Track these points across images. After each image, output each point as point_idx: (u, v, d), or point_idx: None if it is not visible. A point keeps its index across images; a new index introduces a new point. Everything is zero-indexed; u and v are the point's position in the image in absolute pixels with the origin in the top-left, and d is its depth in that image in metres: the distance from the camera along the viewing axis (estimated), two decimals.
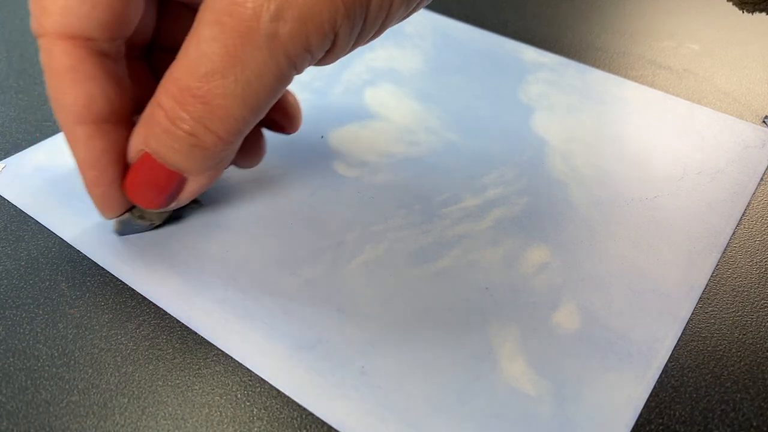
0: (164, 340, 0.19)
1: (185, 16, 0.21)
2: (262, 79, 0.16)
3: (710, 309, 0.21)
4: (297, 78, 0.30)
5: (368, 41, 0.18)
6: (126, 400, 0.18)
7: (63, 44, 0.17)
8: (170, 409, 0.18)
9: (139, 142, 0.18)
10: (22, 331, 0.19)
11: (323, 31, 0.16)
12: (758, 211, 0.25)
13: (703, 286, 0.22)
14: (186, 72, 0.16)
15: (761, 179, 0.26)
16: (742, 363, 0.20)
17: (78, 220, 0.23)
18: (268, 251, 0.22)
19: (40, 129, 0.27)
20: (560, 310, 0.20)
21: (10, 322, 0.20)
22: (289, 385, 0.18)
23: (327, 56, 0.17)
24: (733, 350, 0.20)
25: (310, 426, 0.17)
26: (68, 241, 0.22)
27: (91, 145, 0.18)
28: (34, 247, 0.22)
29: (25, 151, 0.25)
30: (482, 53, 0.33)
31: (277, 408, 0.18)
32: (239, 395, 0.18)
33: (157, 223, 0.22)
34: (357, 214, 0.23)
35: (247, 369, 0.19)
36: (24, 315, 0.20)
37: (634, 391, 0.18)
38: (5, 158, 0.25)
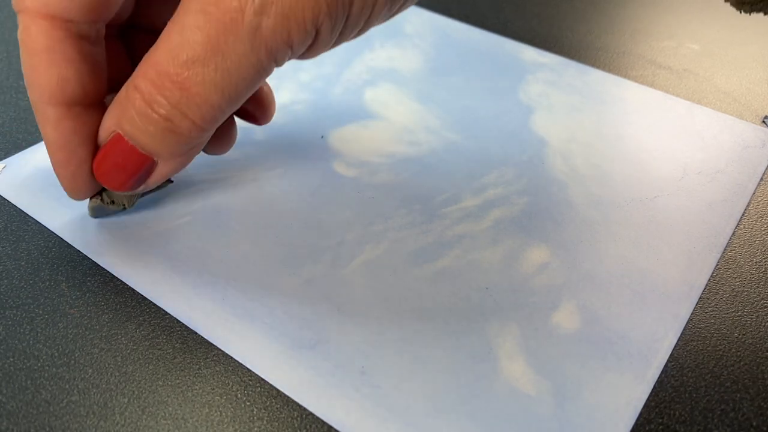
0: (164, 340, 0.19)
1: None
2: (241, 70, 0.16)
3: (710, 309, 0.21)
4: (297, 78, 0.30)
5: (353, 38, 0.18)
6: (126, 400, 0.18)
7: (42, 23, 0.17)
8: (170, 408, 0.18)
9: (111, 123, 0.18)
10: (22, 331, 0.19)
11: (305, 28, 0.16)
12: (758, 211, 0.25)
13: (703, 286, 0.22)
14: (166, 57, 0.16)
15: (761, 179, 0.26)
16: (742, 363, 0.20)
17: (78, 220, 0.23)
18: (268, 251, 0.22)
19: None
20: (560, 310, 0.20)
21: (10, 322, 0.20)
22: (289, 385, 0.18)
23: (308, 51, 0.18)
24: (733, 350, 0.20)
25: (310, 426, 0.17)
26: (68, 241, 0.22)
27: (60, 126, 0.18)
28: (34, 247, 0.22)
29: (25, 151, 0.25)
30: (482, 53, 0.33)
31: (277, 408, 0.18)
32: (239, 395, 0.18)
33: (128, 206, 0.22)
34: (357, 214, 0.23)
35: (247, 369, 0.19)
36: (24, 315, 0.20)
37: (634, 391, 0.18)
38: (5, 158, 0.25)
